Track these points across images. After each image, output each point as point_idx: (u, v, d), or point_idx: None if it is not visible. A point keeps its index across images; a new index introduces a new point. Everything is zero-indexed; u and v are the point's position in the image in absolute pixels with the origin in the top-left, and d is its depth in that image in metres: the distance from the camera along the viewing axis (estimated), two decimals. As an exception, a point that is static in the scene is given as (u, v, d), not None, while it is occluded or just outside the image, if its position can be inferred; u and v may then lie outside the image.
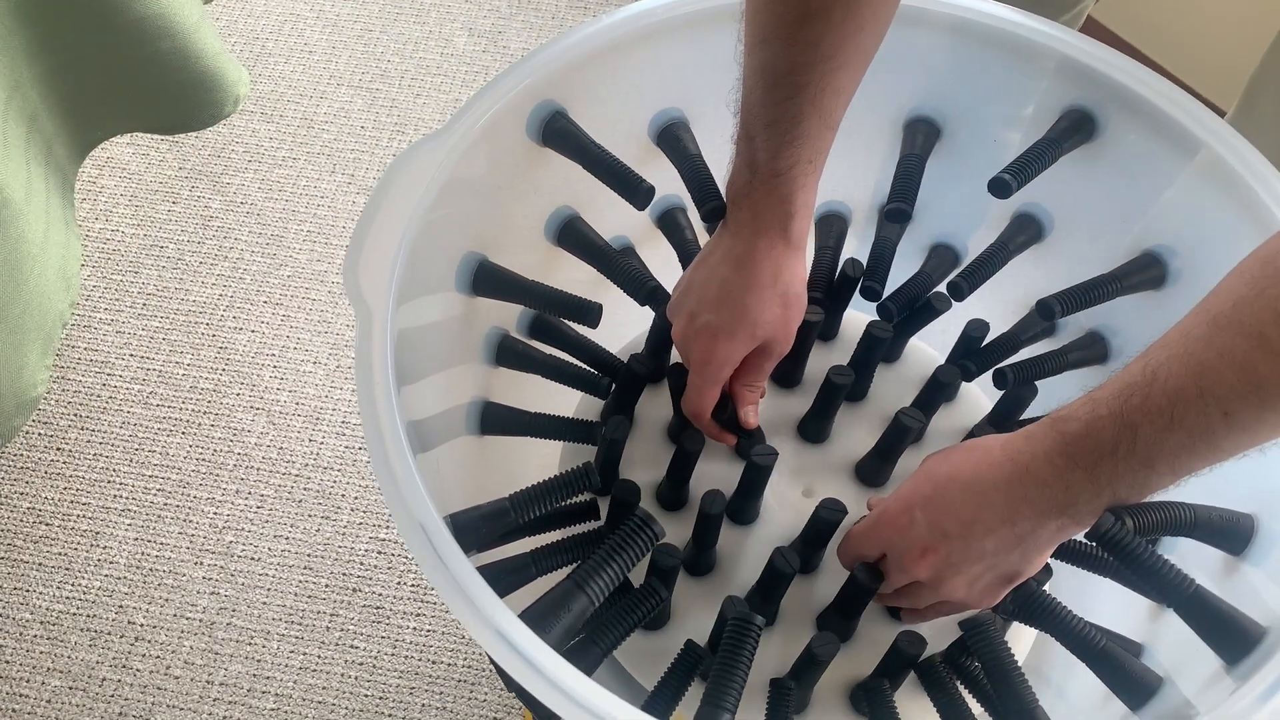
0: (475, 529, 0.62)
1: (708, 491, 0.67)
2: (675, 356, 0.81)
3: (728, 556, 0.74)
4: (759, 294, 0.66)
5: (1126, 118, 0.72)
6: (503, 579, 0.65)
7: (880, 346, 0.77)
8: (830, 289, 0.81)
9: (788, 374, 0.80)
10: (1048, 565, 0.66)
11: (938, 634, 0.72)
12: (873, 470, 0.77)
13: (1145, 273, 0.72)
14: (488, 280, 0.73)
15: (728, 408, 0.72)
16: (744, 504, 0.73)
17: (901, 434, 0.73)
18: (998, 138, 0.80)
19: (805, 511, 0.74)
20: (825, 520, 0.68)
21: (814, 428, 0.78)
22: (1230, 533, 0.66)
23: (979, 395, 0.83)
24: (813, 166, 0.64)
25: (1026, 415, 0.79)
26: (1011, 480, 0.56)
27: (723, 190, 0.70)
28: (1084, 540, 0.68)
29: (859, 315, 0.86)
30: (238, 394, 1.27)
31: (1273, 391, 0.47)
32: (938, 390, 0.76)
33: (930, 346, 0.86)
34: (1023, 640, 0.75)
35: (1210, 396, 0.49)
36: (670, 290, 0.79)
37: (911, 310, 0.80)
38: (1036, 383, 0.77)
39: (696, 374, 0.69)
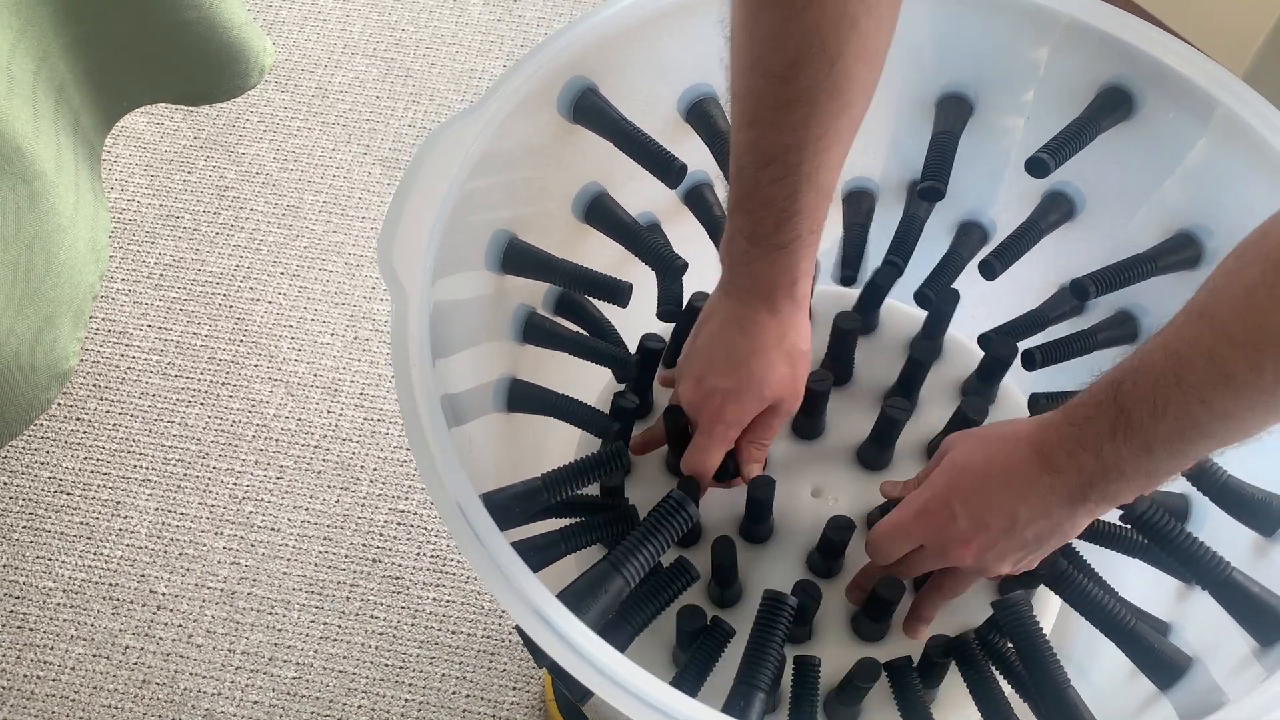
0: (508, 508, 0.62)
1: (716, 540, 0.68)
2: (664, 397, 0.80)
3: (751, 579, 0.74)
4: (765, 356, 0.66)
5: (1164, 95, 0.71)
6: (533, 556, 0.65)
7: (851, 336, 0.77)
8: (859, 267, 0.81)
9: (808, 429, 0.79)
10: None
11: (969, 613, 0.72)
12: (873, 456, 0.77)
13: (1180, 253, 0.72)
14: (518, 258, 0.72)
15: (730, 464, 0.71)
16: (754, 527, 0.74)
17: (891, 425, 0.74)
18: (1030, 114, 0.79)
19: (817, 513, 0.75)
20: (835, 540, 0.69)
21: (806, 426, 0.78)
22: (1262, 512, 0.66)
23: (965, 344, 0.83)
24: (814, 235, 0.63)
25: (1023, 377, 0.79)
26: (1040, 471, 0.57)
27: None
28: (1116, 522, 0.68)
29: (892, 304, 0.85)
30: (255, 365, 1.27)
31: (1240, 381, 0.48)
32: (917, 369, 0.76)
33: (902, 304, 0.84)
34: (1047, 614, 0.75)
35: (1187, 386, 0.50)
36: (693, 265, 0.78)
37: (945, 287, 0.79)
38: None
39: (704, 434, 0.68)
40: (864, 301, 0.81)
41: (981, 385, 0.79)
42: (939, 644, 0.68)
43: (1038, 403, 0.76)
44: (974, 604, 0.72)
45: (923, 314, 0.81)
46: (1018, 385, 0.82)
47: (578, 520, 0.68)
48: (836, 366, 0.79)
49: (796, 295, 0.65)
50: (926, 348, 0.76)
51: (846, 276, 0.79)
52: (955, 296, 0.78)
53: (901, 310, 0.85)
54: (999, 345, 0.75)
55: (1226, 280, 0.49)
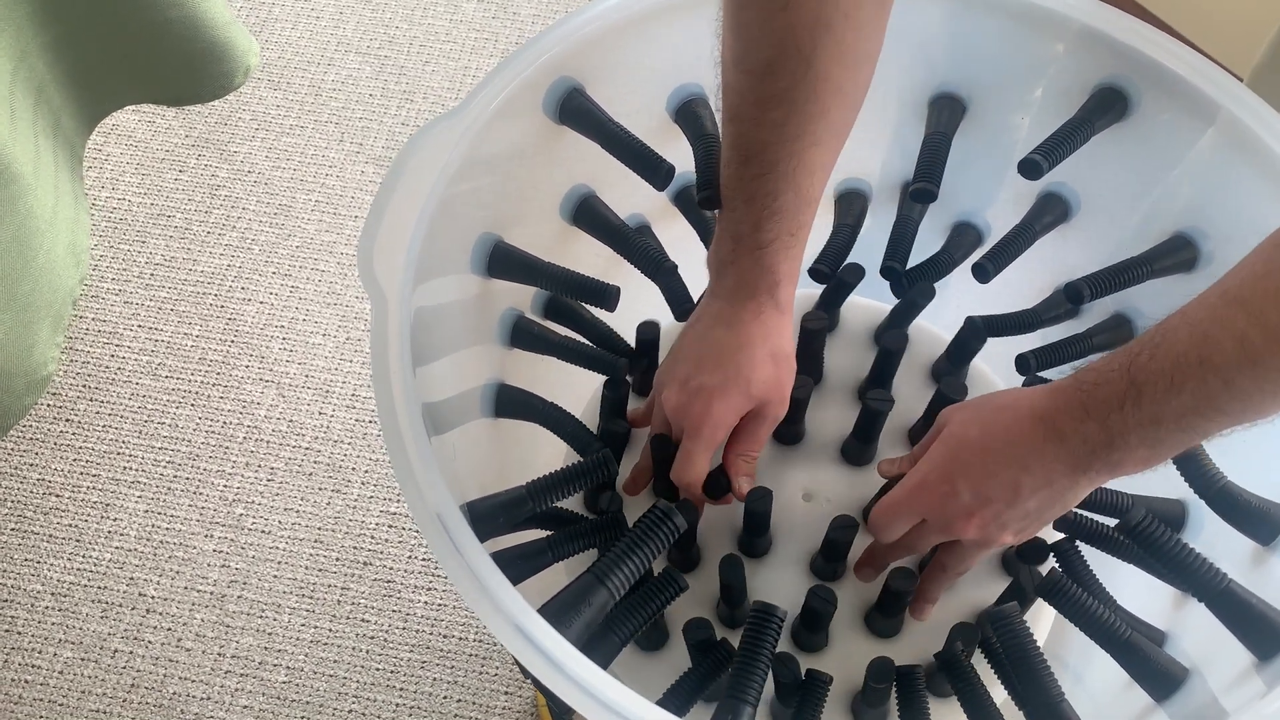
0: (492, 517, 0.61)
1: (723, 559, 0.67)
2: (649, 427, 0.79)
3: (758, 594, 0.73)
4: (750, 352, 0.66)
5: (1160, 96, 0.70)
6: (519, 565, 0.64)
7: (820, 336, 0.77)
8: (837, 266, 0.79)
9: (789, 434, 0.78)
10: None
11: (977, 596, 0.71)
12: (858, 451, 0.76)
13: (1176, 255, 0.71)
14: (503, 262, 0.71)
15: (720, 481, 0.69)
16: (753, 540, 0.73)
17: (874, 418, 0.73)
18: (1025, 115, 0.78)
19: (812, 517, 0.74)
20: (839, 541, 0.69)
21: (788, 433, 0.78)
22: (1260, 520, 0.65)
23: (929, 329, 0.83)
24: (795, 239, 0.64)
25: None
26: (1044, 440, 0.57)
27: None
28: (1113, 530, 0.67)
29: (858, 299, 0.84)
30: (247, 366, 1.26)
31: (1268, 368, 0.49)
32: (889, 359, 0.76)
33: (864, 298, 0.84)
34: (1042, 622, 0.74)
35: (1209, 366, 0.50)
36: (683, 267, 0.77)
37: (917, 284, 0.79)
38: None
39: (691, 438, 0.66)
40: (827, 299, 0.80)
41: (952, 367, 0.79)
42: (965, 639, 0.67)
43: (1025, 363, 0.75)
44: (981, 583, 0.72)
45: (881, 306, 0.81)
46: (988, 365, 0.82)
47: (565, 528, 0.67)
48: (807, 368, 0.78)
49: (779, 298, 0.66)
50: (896, 337, 0.75)
51: (819, 272, 0.78)
52: (931, 293, 0.77)
53: (861, 304, 0.84)
54: (966, 332, 0.75)
55: (1267, 269, 0.49)
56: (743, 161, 0.62)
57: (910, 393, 0.80)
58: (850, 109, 0.62)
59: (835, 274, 0.79)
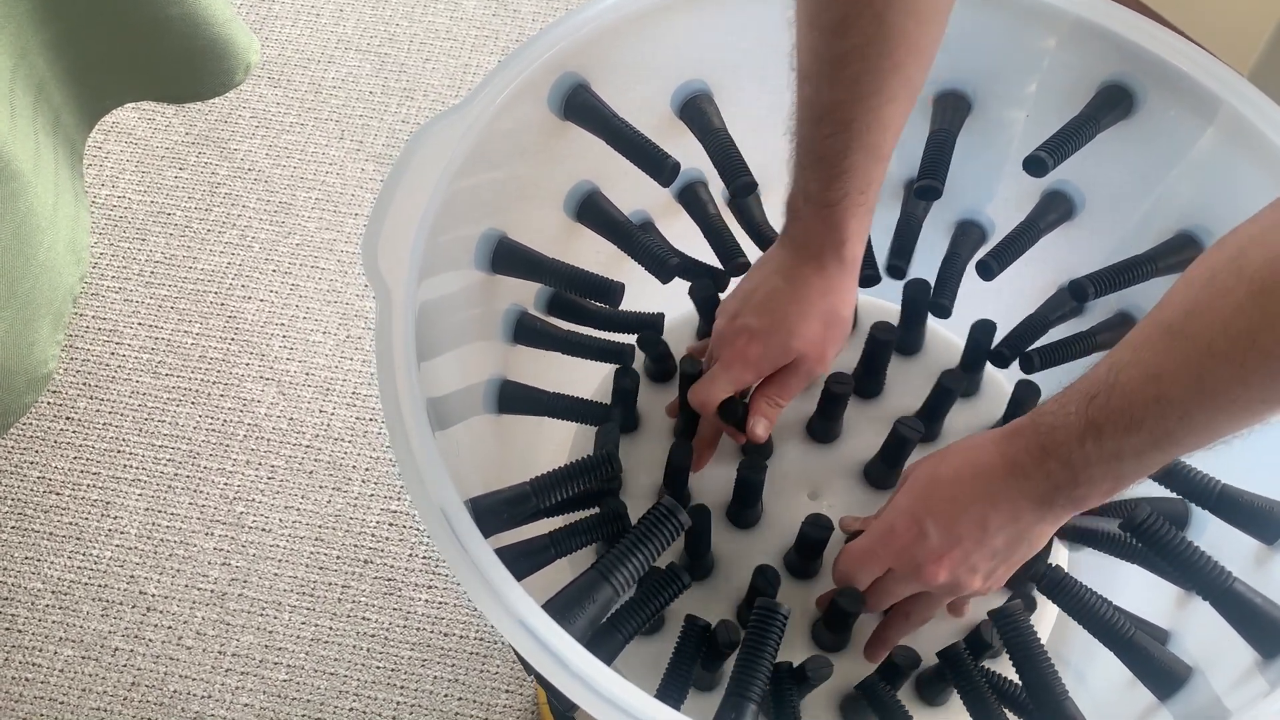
0: (496, 514, 0.61)
1: (694, 507, 0.67)
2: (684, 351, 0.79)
3: (727, 562, 0.73)
4: (802, 307, 0.66)
5: (1165, 93, 0.70)
6: (521, 561, 0.64)
7: (886, 349, 0.76)
8: (874, 265, 0.79)
9: (822, 431, 0.77)
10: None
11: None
12: (881, 475, 0.76)
13: (1180, 254, 0.71)
14: (507, 258, 0.71)
15: (739, 410, 0.69)
16: (741, 510, 0.73)
17: (901, 444, 0.72)
18: (1022, 111, 0.78)
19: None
20: (812, 538, 0.68)
21: (821, 429, 0.77)
22: (1263, 520, 0.65)
23: (1002, 385, 0.82)
24: (864, 197, 0.64)
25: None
26: (1008, 476, 0.58)
27: (750, 166, 0.68)
28: (1117, 529, 0.67)
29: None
30: (247, 364, 1.26)
31: (1226, 397, 0.49)
32: (944, 397, 0.75)
33: (953, 333, 0.84)
34: (1044, 621, 0.74)
35: (1166, 402, 0.50)
36: (694, 260, 0.77)
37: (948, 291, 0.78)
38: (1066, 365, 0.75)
39: (721, 367, 0.68)
40: (905, 316, 0.80)
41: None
42: (906, 657, 0.66)
43: (1030, 362, 0.75)
44: (939, 632, 0.71)
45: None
46: (1004, 377, 0.81)
47: (568, 523, 0.67)
48: (867, 378, 0.78)
49: (845, 256, 0.66)
50: (956, 377, 0.74)
51: (868, 277, 0.78)
52: (991, 328, 0.76)
53: (950, 340, 0.83)
54: (1024, 389, 0.74)
55: (1209, 301, 0.49)
56: (815, 121, 0.62)
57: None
58: (923, 64, 0.62)
59: (878, 272, 0.79)
